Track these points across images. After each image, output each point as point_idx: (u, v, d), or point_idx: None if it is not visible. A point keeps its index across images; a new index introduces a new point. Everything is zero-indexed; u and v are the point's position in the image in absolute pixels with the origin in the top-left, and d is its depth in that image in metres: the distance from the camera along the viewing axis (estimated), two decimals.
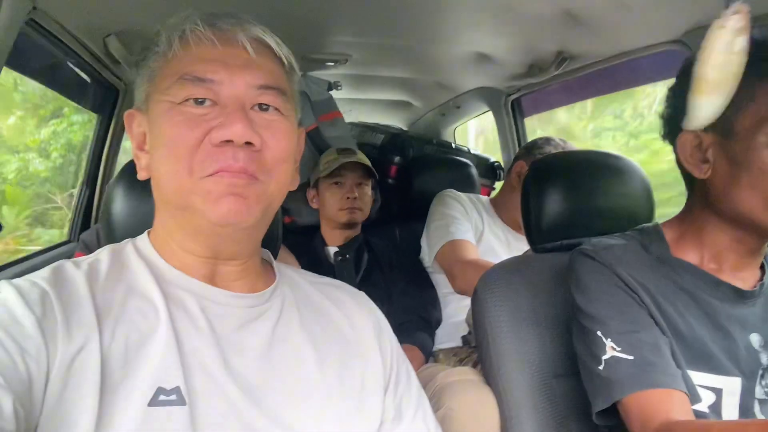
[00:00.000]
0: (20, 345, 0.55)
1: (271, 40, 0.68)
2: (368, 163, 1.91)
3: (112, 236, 0.93)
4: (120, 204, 0.93)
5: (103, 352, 0.59)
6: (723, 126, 0.82)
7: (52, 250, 1.95)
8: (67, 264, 0.66)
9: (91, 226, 1.96)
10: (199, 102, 0.65)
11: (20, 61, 1.37)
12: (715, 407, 0.83)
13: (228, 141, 0.63)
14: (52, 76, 1.65)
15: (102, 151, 2.01)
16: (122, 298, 0.64)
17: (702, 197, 0.88)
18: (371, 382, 0.76)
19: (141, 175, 0.71)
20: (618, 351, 0.82)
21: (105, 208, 0.93)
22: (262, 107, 0.67)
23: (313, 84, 2.22)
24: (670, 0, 1.21)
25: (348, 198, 1.84)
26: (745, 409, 0.83)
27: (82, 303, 0.61)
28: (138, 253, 0.71)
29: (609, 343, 0.83)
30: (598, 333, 0.85)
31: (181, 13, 0.68)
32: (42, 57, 1.50)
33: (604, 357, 0.83)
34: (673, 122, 0.90)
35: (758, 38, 0.82)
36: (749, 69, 0.78)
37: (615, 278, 0.87)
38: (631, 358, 0.81)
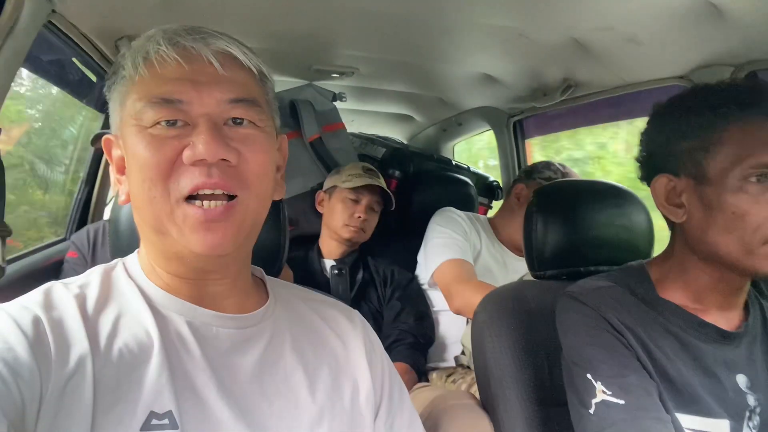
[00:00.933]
0: (14, 370, 0.54)
1: (238, 51, 0.66)
2: (388, 191, 1.91)
3: (120, 249, 0.93)
4: (125, 219, 0.92)
5: (95, 376, 0.58)
6: (695, 170, 0.83)
7: (47, 248, 1.94)
8: (58, 286, 0.65)
9: (84, 227, 1.94)
10: (171, 123, 0.63)
11: (32, 60, 1.37)
12: None
13: (202, 160, 0.61)
14: (61, 75, 1.65)
15: (102, 154, 2.00)
16: (114, 321, 0.64)
17: (681, 239, 0.90)
18: (362, 403, 0.75)
19: (122, 200, 0.70)
20: (608, 395, 0.82)
21: (112, 219, 0.93)
22: (236, 121, 0.65)
23: (317, 94, 2.23)
24: (679, 37, 1.24)
25: (359, 217, 1.85)
26: None
27: (75, 327, 0.61)
28: (128, 274, 0.70)
29: (599, 386, 0.83)
30: (588, 376, 0.84)
31: (145, 34, 0.66)
32: (53, 57, 1.50)
33: (594, 401, 0.83)
34: (648, 165, 0.92)
35: (722, 83, 0.85)
36: (716, 113, 0.80)
37: (603, 322, 0.87)
38: (622, 402, 0.81)
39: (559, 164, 1.88)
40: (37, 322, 0.59)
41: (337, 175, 1.93)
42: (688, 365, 0.86)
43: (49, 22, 1.16)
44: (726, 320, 0.89)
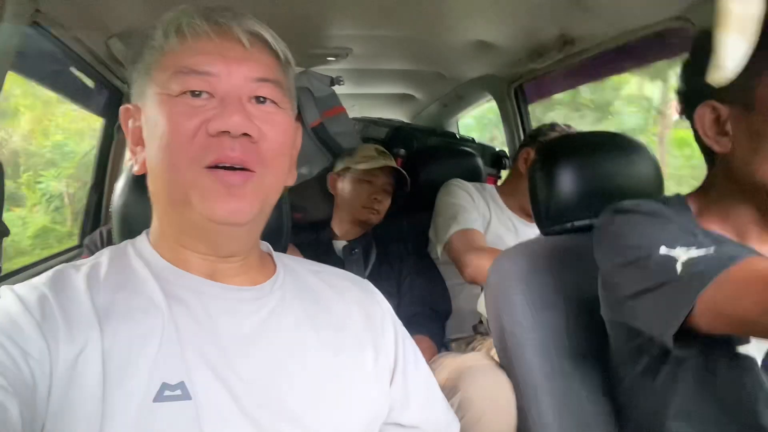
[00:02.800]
0: (22, 348, 0.55)
1: (267, 34, 0.68)
2: (404, 172, 1.91)
3: (125, 233, 0.93)
4: (130, 201, 0.93)
5: (104, 351, 0.59)
6: (742, 97, 0.79)
7: (61, 255, 1.97)
8: (68, 268, 0.66)
9: (97, 230, 1.97)
10: (196, 94, 0.64)
11: (25, 65, 1.37)
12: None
13: (225, 132, 0.63)
14: (57, 79, 1.66)
15: (108, 155, 2.02)
16: (123, 297, 0.64)
17: (723, 171, 0.86)
18: (377, 369, 0.76)
19: (137, 170, 0.71)
20: (695, 251, 0.74)
21: (116, 208, 0.93)
22: (260, 100, 0.67)
23: (315, 80, 2.22)
24: None
25: (375, 199, 1.85)
26: None
27: (82, 304, 0.61)
28: (137, 252, 0.71)
29: (678, 250, 0.76)
30: (663, 249, 0.77)
31: (178, 8, 0.67)
32: (47, 61, 1.50)
33: (680, 261, 0.74)
34: (689, 98, 0.88)
35: None
36: (765, 34, 0.74)
37: (665, 219, 0.82)
38: (711, 251, 0.73)
39: (565, 125, 1.86)
40: (44, 299, 0.60)
41: (350, 157, 1.93)
42: None
43: (36, 23, 1.16)
44: (764, 252, 0.85)
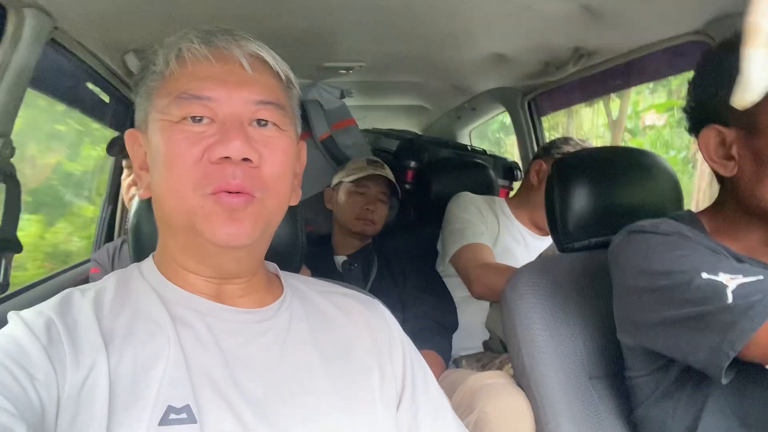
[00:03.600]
0: (29, 373, 0.55)
1: (268, 56, 0.68)
2: (393, 180, 1.91)
3: (141, 252, 0.93)
4: (145, 219, 0.92)
5: (111, 375, 0.59)
6: (746, 120, 0.79)
7: (76, 268, 1.98)
8: (74, 292, 0.67)
9: (105, 245, 1.97)
10: (197, 120, 0.64)
11: (42, 80, 1.38)
12: None
13: (226, 158, 0.63)
14: (73, 94, 1.67)
15: (122, 169, 2.03)
16: (129, 321, 0.65)
17: (732, 193, 0.85)
18: (384, 392, 0.74)
19: (142, 195, 0.71)
20: (742, 278, 0.71)
21: (131, 225, 0.94)
22: (261, 123, 0.67)
23: (325, 92, 2.22)
24: None
25: (367, 209, 1.84)
26: None
27: (89, 329, 0.61)
28: (143, 276, 0.71)
29: (722, 277, 0.72)
30: (705, 275, 0.73)
31: (178, 33, 0.68)
32: (63, 76, 1.52)
33: (729, 289, 0.70)
34: (696, 116, 0.87)
35: None
36: None
37: (688, 239, 0.80)
38: (761, 277, 0.70)
39: (579, 139, 1.84)
40: (50, 324, 0.60)
41: (342, 171, 1.93)
42: None
43: (53, 39, 1.17)
44: None
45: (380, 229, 1.90)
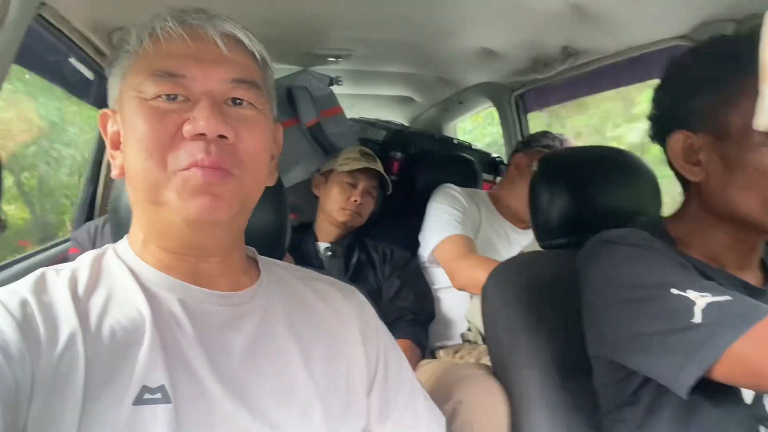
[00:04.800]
0: (5, 351, 0.55)
1: (243, 35, 0.68)
2: (385, 175, 1.91)
3: (123, 232, 0.93)
4: (127, 200, 0.92)
5: (86, 355, 0.59)
6: (715, 126, 0.80)
7: (54, 248, 1.95)
8: (49, 272, 0.66)
9: (85, 224, 1.95)
10: (171, 98, 0.64)
11: (25, 56, 1.36)
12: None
13: (201, 135, 0.62)
14: (57, 71, 1.64)
15: (104, 149, 2.00)
16: (104, 301, 0.64)
17: (698, 199, 0.86)
18: (357, 379, 0.76)
19: (114, 174, 0.70)
20: (711, 296, 0.71)
21: (113, 204, 0.93)
22: (236, 102, 0.67)
23: (314, 79, 2.21)
24: None
25: (355, 201, 1.84)
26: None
27: (64, 308, 0.61)
28: (118, 256, 0.71)
29: (692, 293, 0.73)
30: (673, 291, 0.74)
31: (153, 14, 0.67)
32: (47, 52, 1.49)
33: (699, 307, 0.71)
34: (661, 123, 0.88)
35: (747, 34, 0.77)
36: (738, 64, 0.76)
37: (655, 251, 0.82)
38: (729, 298, 0.71)
39: (557, 134, 1.87)
40: (24, 304, 0.60)
41: (334, 159, 1.93)
42: None
43: (40, 15, 1.15)
44: (747, 278, 0.86)
45: (364, 221, 1.91)
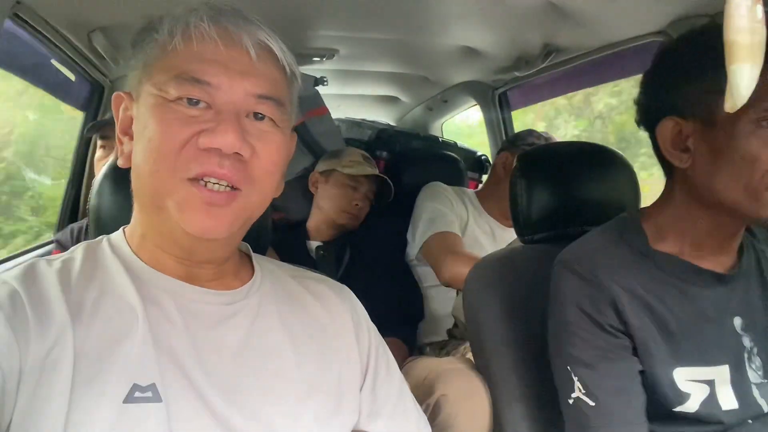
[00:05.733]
0: None
1: (276, 46, 0.66)
2: (389, 182, 1.93)
3: (101, 230, 0.92)
4: (108, 199, 0.91)
5: (76, 349, 0.58)
6: (704, 113, 0.80)
7: (37, 249, 1.94)
8: (40, 263, 0.65)
9: (69, 226, 1.94)
10: (193, 103, 0.62)
11: (4, 56, 1.35)
12: (711, 400, 0.83)
13: (217, 148, 0.61)
14: (37, 72, 1.63)
15: (88, 149, 1.99)
16: (96, 295, 0.63)
17: (682, 186, 0.87)
18: (349, 378, 0.75)
19: (121, 162, 0.69)
20: (583, 394, 0.85)
21: (93, 204, 0.92)
22: (258, 117, 0.65)
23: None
24: None
25: (356, 205, 1.85)
26: (743, 395, 0.84)
27: (54, 301, 0.60)
28: (113, 250, 0.69)
29: (577, 383, 0.85)
30: (568, 368, 0.87)
31: (189, 5, 0.65)
32: (27, 53, 1.48)
33: (573, 395, 0.86)
34: (649, 110, 0.88)
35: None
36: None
37: (595, 293, 0.86)
38: (593, 404, 0.83)
39: (542, 132, 1.89)
40: (14, 295, 0.59)
41: (336, 159, 1.91)
42: (688, 312, 0.85)
43: (16, 14, 1.14)
44: (721, 265, 0.88)
45: (359, 224, 1.91)
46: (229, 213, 0.63)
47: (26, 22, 1.22)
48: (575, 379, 0.85)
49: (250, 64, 0.64)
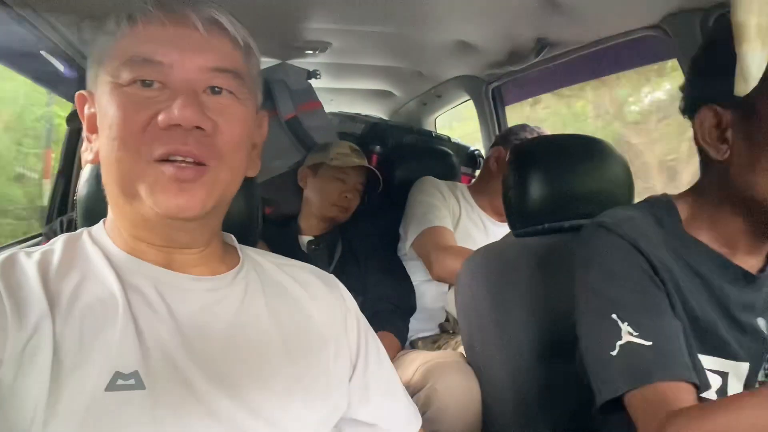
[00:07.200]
0: None
1: (225, 20, 0.65)
2: (378, 173, 1.91)
3: (89, 221, 0.91)
4: (95, 191, 0.90)
5: (55, 338, 0.57)
6: (745, 104, 0.75)
7: (23, 242, 1.92)
8: (19, 254, 0.64)
9: (58, 218, 1.92)
10: (147, 84, 0.62)
11: None
12: (721, 392, 0.81)
13: (177, 125, 0.61)
14: (24, 62, 1.61)
15: (77, 141, 1.97)
16: (76, 284, 0.63)
17: (718, 179, 0.83)
18: (338, 364, 0.75)
19: (88, 159, 0.69)
20: (635, 336, 0.77)
21: (80, 197, 0.91)
22: (215, 90, 0.65)
23: (291, 73, 2.20)
24: None
25: (346, 197, 1.84)
26: None
27: (33, 290, 0.59)
28: (93, 240, 0.69)
29: (626, 327, 0.78)
30: (614, 316, 0.79)
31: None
32: (17, 43, 1.46)
33: (620, 342, 0.77)
34: (693, 95, 0.84)
35: None
36: None
37: (637, 256, 0.81)
38: (650, 344, 0.76)
39: (535, 126, 1.89)
40: None
41: (324, 153, 1.90)
42: (712, 305, 0.82)
43: (2, 2, 1.13)
44: (751, 265, 0.85)
45: (349, 216, 1.90)
46: (199, 188, 0.63)
47: (14, 11, 1.20)
48: (623, 324, 0.78)
49: (201, 39, 0.64)
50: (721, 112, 0.79)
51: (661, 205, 0.89)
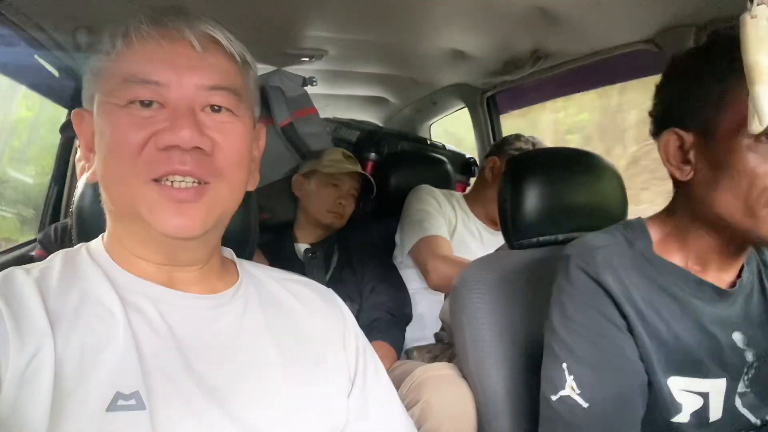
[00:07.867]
0: None
1: (221, 36, 0.65)
2: (371, 179, 1.92)
3: (85, 235, 0.90)
4: (91, 205, 0.89)
5: (57, 358, 0.57)
6: (705, 126, 0.79)
7: (18, 249, 1.91)
8: (18, 271, 0.64)
9: (52, 225, 1.91)
10: (146, 105, 0.62)
11: None
12: (702, 411, 0.82)
13: (175, 146, 0.61)
14: (20, 68, 1.60)
15: (71, 149, 1.96)
16: (76, 304, 0.62)
17: (684, 199, 0.86)
18: (336, 381, 0.75)
19: (90, 178, 0.68)
20: (576, 394, 0.81)
21: (76, 206, 0.91)
22: (214, 108, 0.65)
23: (287, 79, 2.20)
24: (642, 0, 1.23)
25: (340, 203, 1.84)
26: (729, 406, 0.84)
27: (33, 310, 0.59)
28: (92, 258, 0.68)
29: (570, 381, 0.82)
30: (564, 366, 0.83)
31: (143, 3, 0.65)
32: (11, 50, 1.45)
33: (562, 393, 0.83)
34: (660, 119, 0.88)
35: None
36: (731, 66, 0.74)
37: (599, 297, 0.84)
38: (586, 406, 0.81)
39: (529, 136, 1.89)
40: None
41: (317, 160, 1.90)
42: (686, 325, 0.84)
43: None
44: (723, 280, 0.87)
45: (344, 223, 1.90)
46: (199, 208, 0.63)
47: (9, 19, 1.20)
48: (569, 378, 0.82)
49: (197, 56, 0.64)
50: (683, 135, 0.83)
51: (633, 227, 0.91)
